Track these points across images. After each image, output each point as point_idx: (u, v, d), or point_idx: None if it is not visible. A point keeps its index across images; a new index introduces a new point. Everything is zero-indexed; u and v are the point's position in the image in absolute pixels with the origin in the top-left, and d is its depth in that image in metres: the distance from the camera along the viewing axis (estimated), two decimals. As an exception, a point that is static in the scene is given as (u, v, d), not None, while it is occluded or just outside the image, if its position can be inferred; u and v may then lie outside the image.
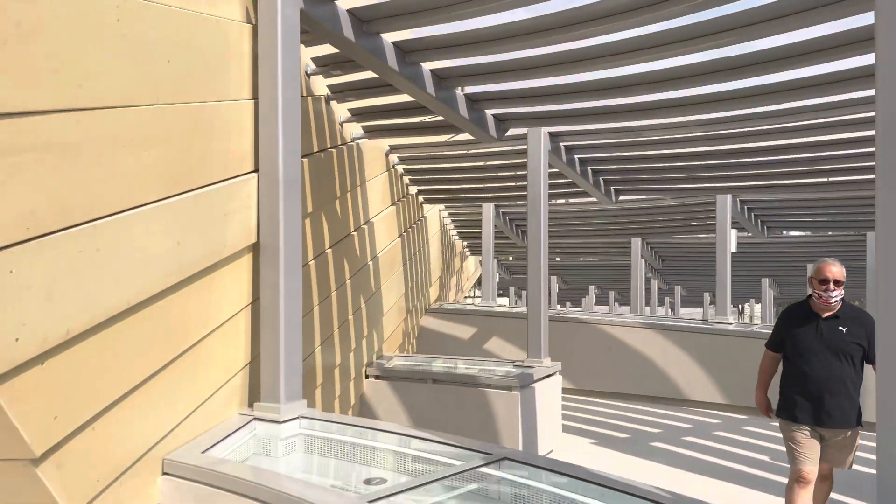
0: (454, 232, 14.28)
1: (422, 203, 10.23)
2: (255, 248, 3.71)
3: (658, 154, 7.29)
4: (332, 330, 5.81)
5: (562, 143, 7.09)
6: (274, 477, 2.70)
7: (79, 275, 2.17)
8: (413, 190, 9.63)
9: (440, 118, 5.91)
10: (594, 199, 9.67)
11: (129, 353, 2.56)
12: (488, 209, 11.42)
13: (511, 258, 21.19)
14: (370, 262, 6.96)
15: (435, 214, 11.75)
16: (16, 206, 1.89)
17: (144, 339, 2.67)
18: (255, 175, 3.65)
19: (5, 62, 1.78)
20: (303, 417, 3.61)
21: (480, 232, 13.60)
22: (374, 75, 4.94)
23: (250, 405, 3.71)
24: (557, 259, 20.37)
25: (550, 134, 6.83)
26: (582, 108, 5.59)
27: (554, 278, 20.36)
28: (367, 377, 6.94)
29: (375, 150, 7.26)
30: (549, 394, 6.65)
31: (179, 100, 2.85)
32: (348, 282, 6.12)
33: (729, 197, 9.40)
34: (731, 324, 9.22)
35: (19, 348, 1.94)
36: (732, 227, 9.68)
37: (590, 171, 7.84)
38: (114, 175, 2.34)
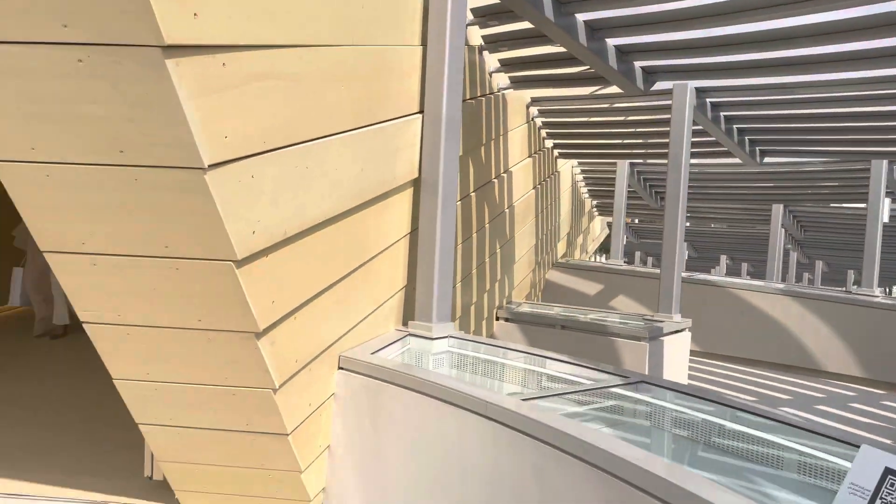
0: (585, 190, 14.29)
1: (556, 157, 10.36)
2: (416, 183, 4.07)
3: (810, 114, 7.04)
4: (471, 269, 6.17)
5: (708, 100, 7.01)
6: (435, 375, 3.09)
7: (294, 186, 2.58)
8: (549, 143, 9.78)
9: (586, 70, 6.04)
10: (735, 161, 9.44)
11: (320, 260, 2.99)
12: (623, 166, 11.38)
13: (637, 220, 20.78)
14: (506, 210, 7.25)
15: (568, 170, 11.84)
16: (258, 123, 2.29)
17: (331, 250, 3.10)
18: (419, 116, 3.99)
19: (248, 6, 2.16)
20: (451, 337, 3.98)
21: (611, 191, 13.54)
22: (528, 26, 5.15)
23: (404, 323, 4.13)
24: (687, 224, 19.81)
25: (697, 90, 6.77)
26: (733, 62, 5.54)
27: (684, 244, 19.87)
28: (497, 319, 7.30)
29: (518, 102, 7.48)
30: (678, 349, 6.74)
31: (369, 42, 3.20)
32: (487, 226, 6.45)
33: (885, 163, 8.90)
34: (877, 296, 8.82)
35: (255, 240, 2.37)
36: (886, 196, 9.18)
37: (735, 130, 7.69)
38: (321, 104, 2.73)
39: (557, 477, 2.33)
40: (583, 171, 12.82)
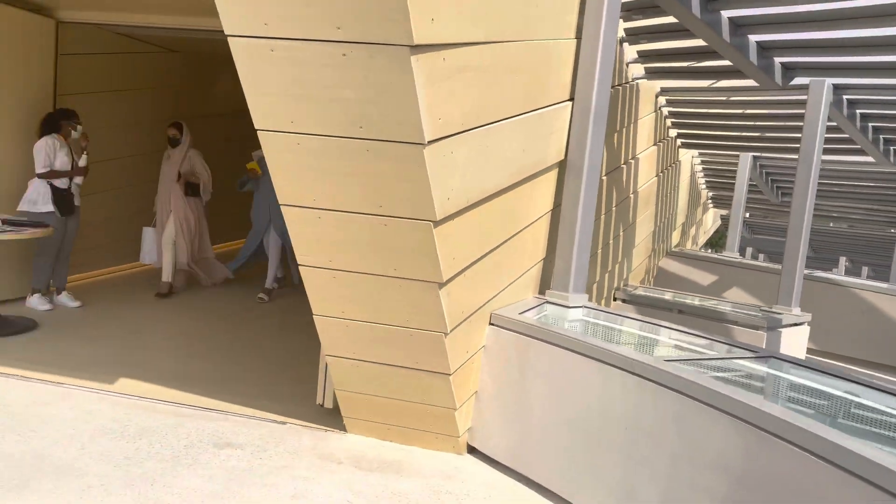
0: (702, 181, 14.19)
1: (678, 147, 10.45)
2: (560, 165, 4.46)
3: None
4: (596, 249, 6.50)
5: (844, 97, 6.99)
6: (582, 335, 3.49)
7: (477, 162, 3.02)
8: (672, 133, 9.89)
9: (722, 64, 6.20)
10: (866, 159, 9.26)
11: (487, 227, 3.44)
12: (745, 159, 11.30)
13: (748, 214, 20.25)
14: (631, 196, 7.51)
15: (687, 161, 11.86)
16: (458, 108, 2.74)
17: (495, 219, 3.54)
18: (569, 103, 4.36)
19: (463, 11, 2.60)
20: (586, 307, 4.36)
21: (729, 183, 13.41)
22: (670, 20, 5.39)
23: (539, 292, 4.54)
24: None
25: (834, 86, 6.78)
26: (872, 62, 5.58)
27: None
28: (615, 299, 7.60)
29: (648, 91, 7.69)
30: (795, 342, 6.84)
31: (536, 37, 3.60)
32: (614, 209, 6.75)
33: None
34: None
35: (448, 205, 2.84)
36: None
37: (870, 128, 7.61)
38: (500, 92, 3.16)
39: (697, 425, 2.69)
40: (703, 163, 12.77)
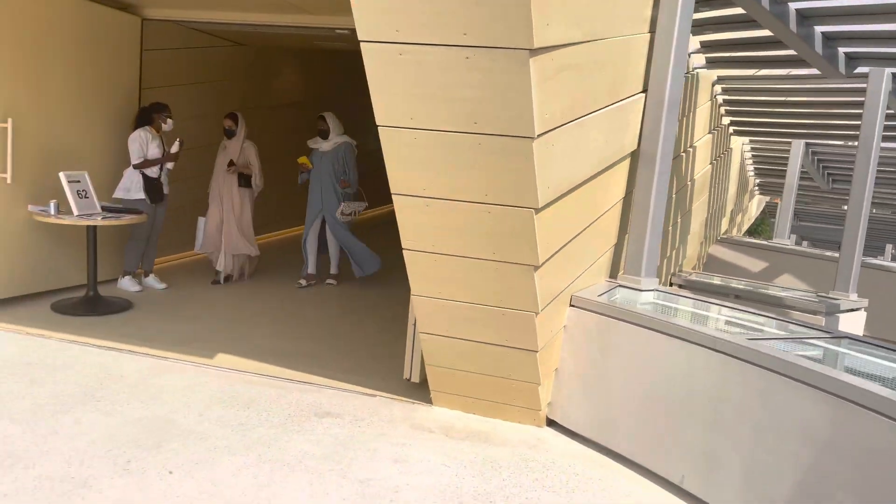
0: (751, 168, 14.18)
1: (730, 135, 10.51)
2: (633, 154, 4.66)
3: None
4: (657, 236, 6.67)
5: (904, 85, 7.03)
6: (665, 315, 3.71)
7: (568, 154, 3.26)
8: (725, 121, 9.97)
9: (784, 53, 6.31)
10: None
11: (573, 214, 3.67)
12: (798, 146, 11.31)
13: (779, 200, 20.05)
14: (688, 184, 7.66)
15: (737, 149, 11.90)
16: (559, 103, 2.98)
17: (580, 206, 3.77)
18: (643, 95, 4.56)
19: (570, 15, 2.83)
20: (657, 290, 4.58)
21: (778, 170, 13.40)
22: (737, 11, 5.53)
23: (610, 278, 4.76)
24: (844, 207, 18.98)
25: (893, 75, 6.83)
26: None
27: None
28: (671, 285, 7.77)
29: (705, 80, 7.81)
30: (853, 327, 6.95)
31: (619, 34, 3.81)
32: (674, 196, 6.91)
33: None
34: None
35: (548, 194, 3.08)
36: None
37: (929, 116, 7.63)
38: (590, 87, 3.39)
39: (783, 398, 2.91)
40: (753, 150, 12.79)
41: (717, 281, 8.03)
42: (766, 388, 3.00)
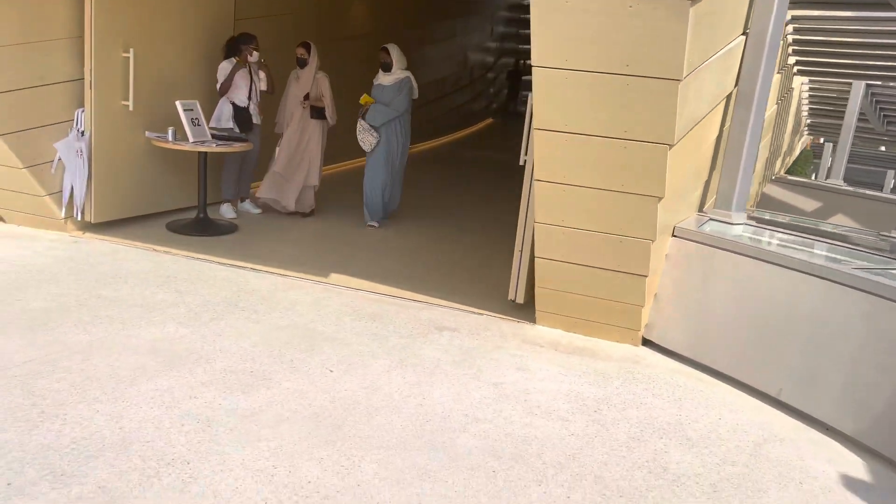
0: (806, 108, 14.16)
1: (794, 74, 10.54)
2: (729, 95, 4.90)
3: None
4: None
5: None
6: (766, 244, 4.05)
7: (695, 97, 3.54)
8: (791, 60, 10.00)
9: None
10: None
11: (687, 152, 3.97)
12: (858, 87, 11.30)
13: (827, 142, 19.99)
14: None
15: (797, 89, 11.90)
16: (698, 48, 3.26)
17: (691, 145, 4.07)
18: (743, 37, 4.77)
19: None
20: (747, 224, 4.89)
21: (832, 111, 13.38)
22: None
23: (699, 211, 5.07)
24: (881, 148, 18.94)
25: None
26: None
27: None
28: (734, 222, 8.05)
29: (780, 20, 7.88)
30: (913, 265, 7.20)
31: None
32: (747, 136, 7.11)
33: None
34: None
35: (680, 131, 3.39)
36: None
37: None
38: (715, 31, 3.64)
39: (886, 319, 3.26)
40: (811, 90, 12.77)
41: (779, 219, 8.26)
42: (869, 312, 3.35)
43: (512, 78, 22.46)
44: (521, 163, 4.87)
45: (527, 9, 22.54)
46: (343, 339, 4.12)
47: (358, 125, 6.69)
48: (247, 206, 7.01)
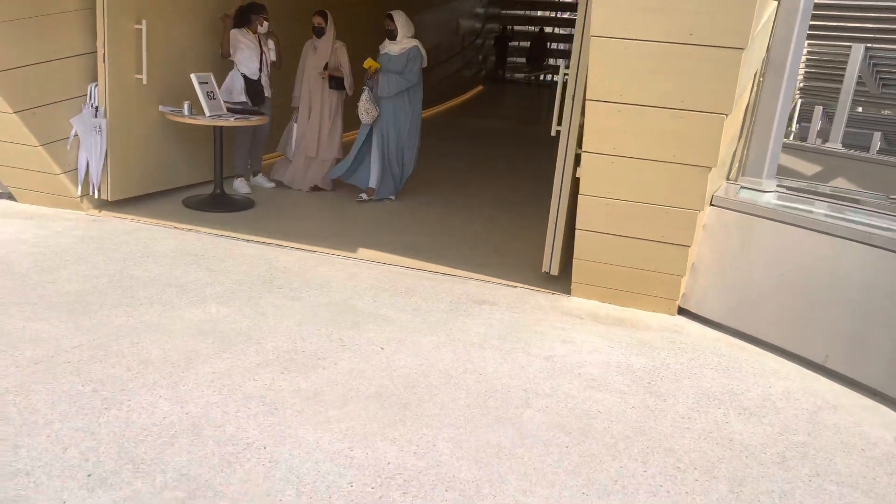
0: (801, 73, 14.18)
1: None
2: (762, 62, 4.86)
3: None
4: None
5: None
6: (797, 210, 4.05)
7: (747, 64, 3.50)
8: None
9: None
10: None
11: (731, 122, 3.95)
12: (857, 50, 11.31)
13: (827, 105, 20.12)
14: (768, 88, 7.81)
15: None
16: (756, 16, 3.21)
17: (737, 114, 4.03)
18: (775, 3, 4.72)
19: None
20: (777, 192, 4.90)
21: (828, 74, 13.40)
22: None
23: (727, 179, 5.07)
24: (885, 112, 19.04)
25: None
26: None
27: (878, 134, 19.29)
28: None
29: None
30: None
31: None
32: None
33: None
34: None
35: (735, 102, 3.37)
36: None
37: None
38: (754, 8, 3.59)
39: (941, 286, 3.29)
40: (808, 53, 12.77)
41: (805, 185, 8.30)
42: (924, 278, 3.38)
43: (499, 44, 22.25)
44: (553, 133, 4.83)
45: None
46: (385, 316, 4.09)
47: (363, 94, 6.41)
48: (260, 180, 6.90)
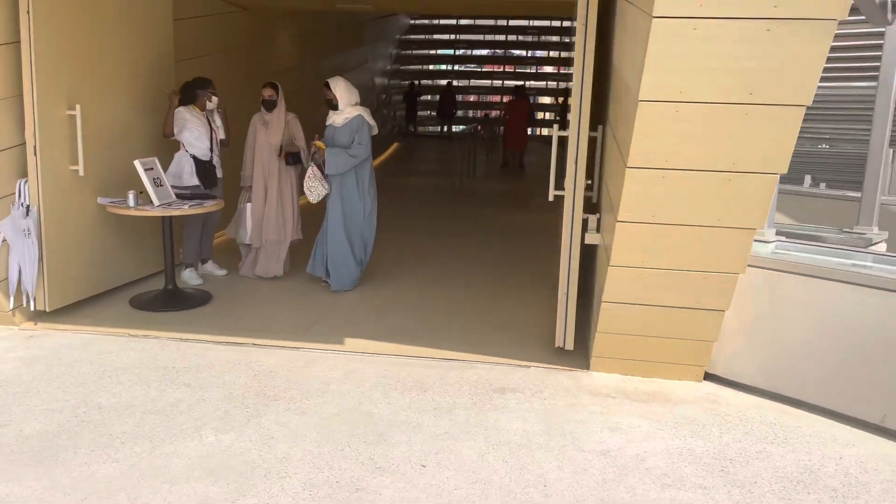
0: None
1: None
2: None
3: None
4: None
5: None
6: (847, 265, 3.88)
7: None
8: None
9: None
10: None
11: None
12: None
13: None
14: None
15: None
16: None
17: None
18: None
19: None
20: (778, 241, 4.76)
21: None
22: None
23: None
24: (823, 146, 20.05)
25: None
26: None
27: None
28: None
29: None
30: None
31: None
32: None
33: None
34: None
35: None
36: None
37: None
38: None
39: None
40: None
41: (796, 230, 8.32)
42: None
43: (408, 99, 22.22)
44: (552, 198, 4.54)
45: (422, 28, 22.49)
46: (407, 421, 3.60)
47: (308, 171, 5.74)
48: (210, 267, 6.27)
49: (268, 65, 8.96)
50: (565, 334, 4.48)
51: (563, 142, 4.38)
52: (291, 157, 6.02)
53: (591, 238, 4.31)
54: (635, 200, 3.30)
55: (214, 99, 5.83)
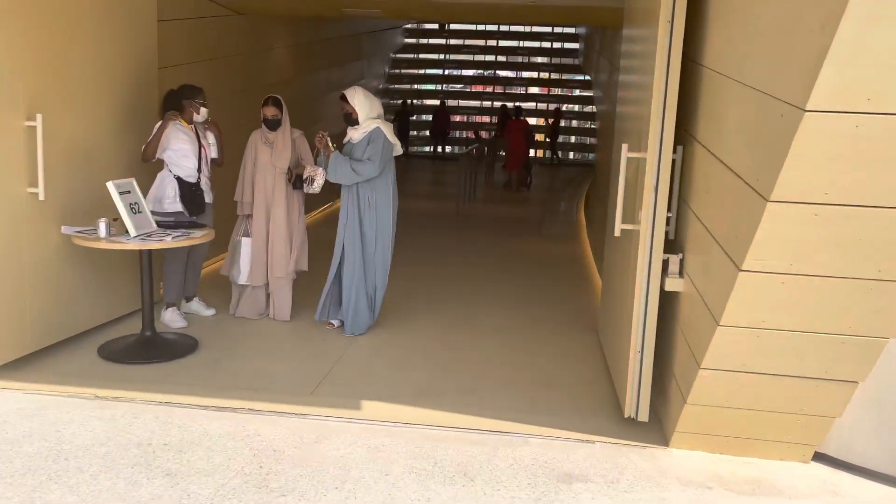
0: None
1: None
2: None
3: None
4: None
5: None
6: None
7: None
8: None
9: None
10: None
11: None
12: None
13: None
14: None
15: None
16: None
17: None
18: None
19: None
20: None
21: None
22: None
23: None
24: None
25: None
26: None
27: None
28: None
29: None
30: None
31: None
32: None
33: None
34: None
35: None
36: None
37: None
38: None
39: None
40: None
41: None
42: None
43: (401, 118, 21.49)
44: (618, 233, 3.75)
45: (415, 47, 21.83)
46: (459, 529, 2.74)
47: (309, 168, 5.05)
48: (196, 306, 5.37)
49: (266, 75, 8.15)
50: (638, 404, 3.64)
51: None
52: (300, 181, 5.10)
53: (671, 284, 3.50)
54: (771, 246, 2.49)
55: (203, 110, 4.96)
